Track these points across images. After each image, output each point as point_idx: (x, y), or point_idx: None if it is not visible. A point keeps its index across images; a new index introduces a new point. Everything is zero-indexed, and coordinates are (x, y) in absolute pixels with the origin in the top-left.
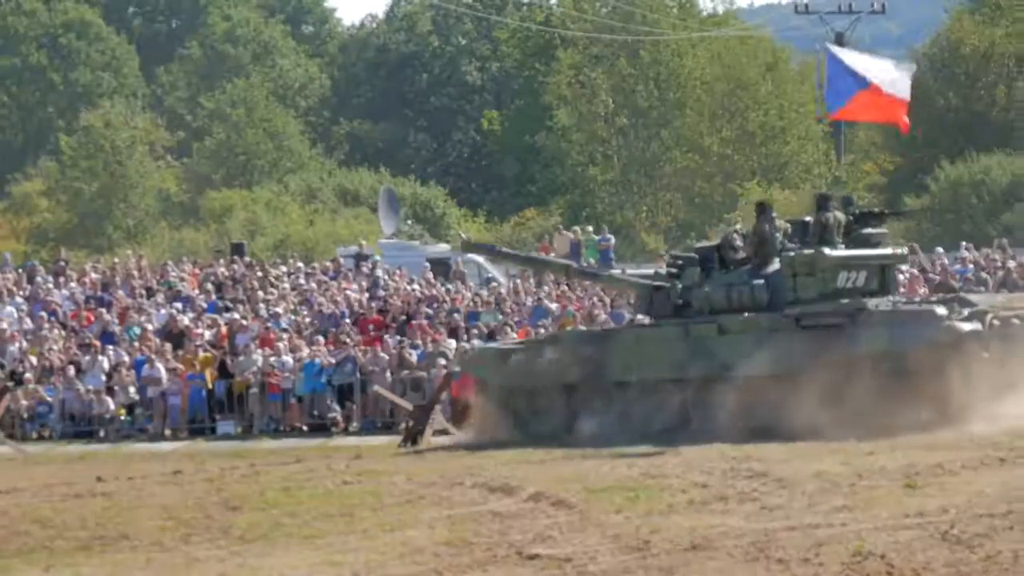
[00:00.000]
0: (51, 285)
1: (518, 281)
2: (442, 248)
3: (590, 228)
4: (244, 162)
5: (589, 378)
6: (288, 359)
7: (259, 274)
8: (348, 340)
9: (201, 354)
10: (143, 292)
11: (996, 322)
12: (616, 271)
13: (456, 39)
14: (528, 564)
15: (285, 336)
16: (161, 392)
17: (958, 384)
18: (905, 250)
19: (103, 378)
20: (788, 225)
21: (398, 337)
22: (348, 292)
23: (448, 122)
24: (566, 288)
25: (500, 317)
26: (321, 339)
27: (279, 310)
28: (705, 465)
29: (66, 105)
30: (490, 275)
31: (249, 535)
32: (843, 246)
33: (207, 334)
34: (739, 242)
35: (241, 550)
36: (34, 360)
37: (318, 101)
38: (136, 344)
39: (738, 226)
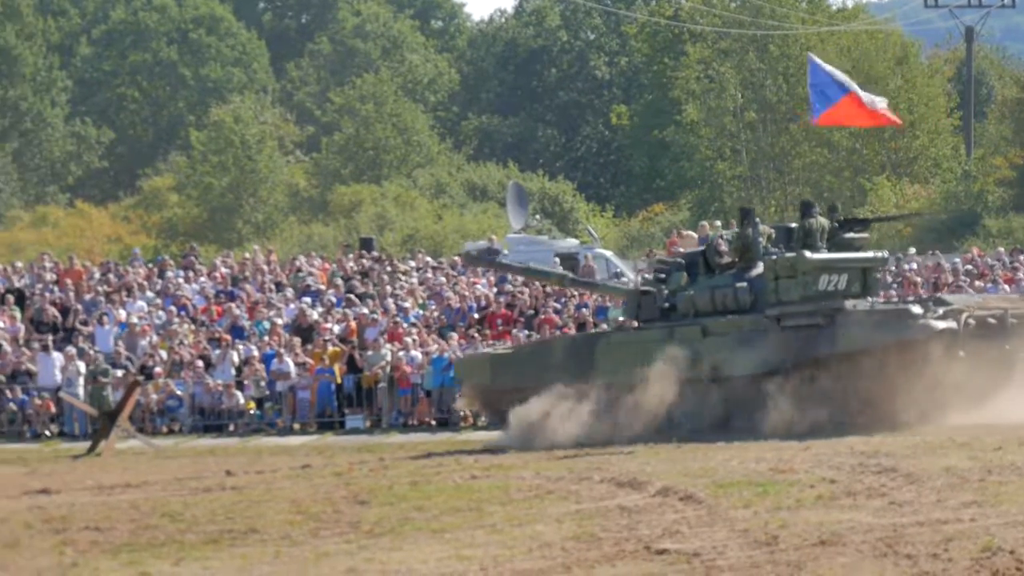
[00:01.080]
0: (181, 280)
1: (646, 275)
2: (570, 243)
3: (718, 223)
4: (373, 157)
5: (577, 380)
6: (417, 354)
7: (388, 269)
8: (476, 335)
9: (330, 348)
10: (272, 287)
11: (972, 321)
12: (608, 279)
13: (585, 34)
14: (656, 559)
15: (414, 331)
16: (290, 386)
17: (934, 380)
18: (885, 253)
19: (232, 372)
20: (772, 231)
21: (526, 332)
22: (476, 287)
23: (577, 117)
24: None
25: None
26: (453, 334)
27: (407, 305)
28: (833, 460)
29: (196, 100)
30: (618, 270)
31: (377, 529)
32: (826, 251)
33: (336, 328)
34: (724, 247)
35: (369, 544)
36: (164, 354)
37: (447, 96)
38: (265, 338)
39: (723, 232)
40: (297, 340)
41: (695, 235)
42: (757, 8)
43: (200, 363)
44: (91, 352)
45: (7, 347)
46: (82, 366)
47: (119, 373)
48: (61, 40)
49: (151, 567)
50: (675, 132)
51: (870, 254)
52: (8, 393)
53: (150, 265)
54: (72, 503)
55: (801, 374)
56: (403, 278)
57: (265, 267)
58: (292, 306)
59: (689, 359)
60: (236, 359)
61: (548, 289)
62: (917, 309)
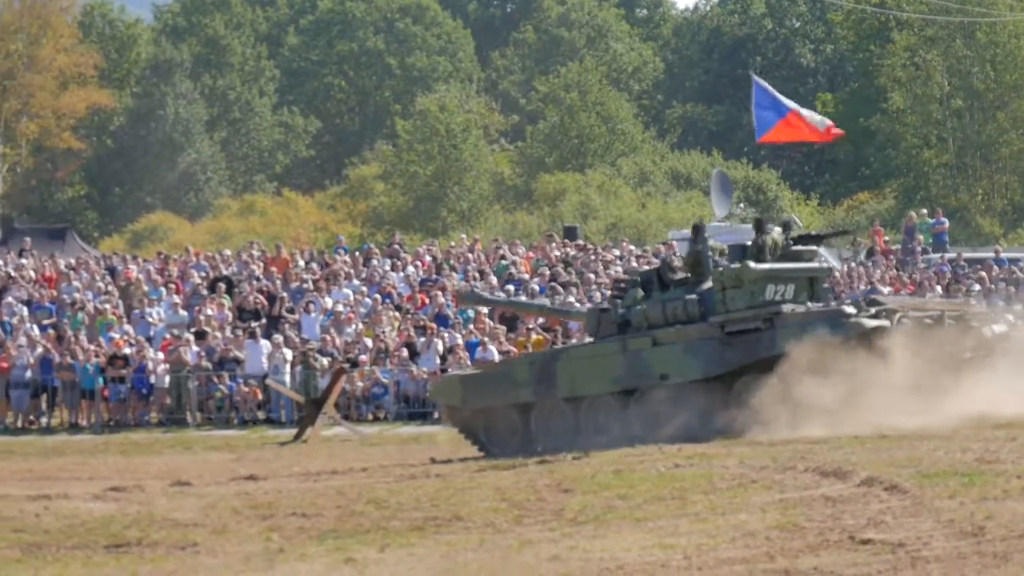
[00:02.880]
0: (387, 268)
1: (853, 264)
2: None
3: (924, 211)
4: (577, 145)
5: (541, 396)
6: None
7: (591, 257)
8: None
9: (534, 337)
10: (477, 275)
11: (906, 320)
12: (580, 306)
13: (790, 21)
14: (860, 549)
15: None
16: None
17: (868, 377)
18: (836, 263)
19: (437, 360)
20: (724, 246)
21: None
22: None
23: None
24: (897, 272)
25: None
26: None
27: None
28: None
29: (402, 89)
30: (823, 258)
31: (581, 517)
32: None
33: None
34: (677, 263)
35: (573, 532)
36: (370, 342)
37: (651, 84)
38: (470, 327)
39: (675, 250)
40: (502, 328)
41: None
42: None
43: (405, 351)
44: (297, 339)
45: (215, 334)
46: (288, 354)
47: (325, 361)
48: (269, 30)
49: (356, 553)
50: (881, 120)
51: (815, 264)
52: (216, 380)
53: (356, 253)
54: (279, 489)
55: (745, 376)
56: (607, 266)
57: (469, 255)
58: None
59: (640, 368)
60: (441, 347)
61: None
62: (850, 309)
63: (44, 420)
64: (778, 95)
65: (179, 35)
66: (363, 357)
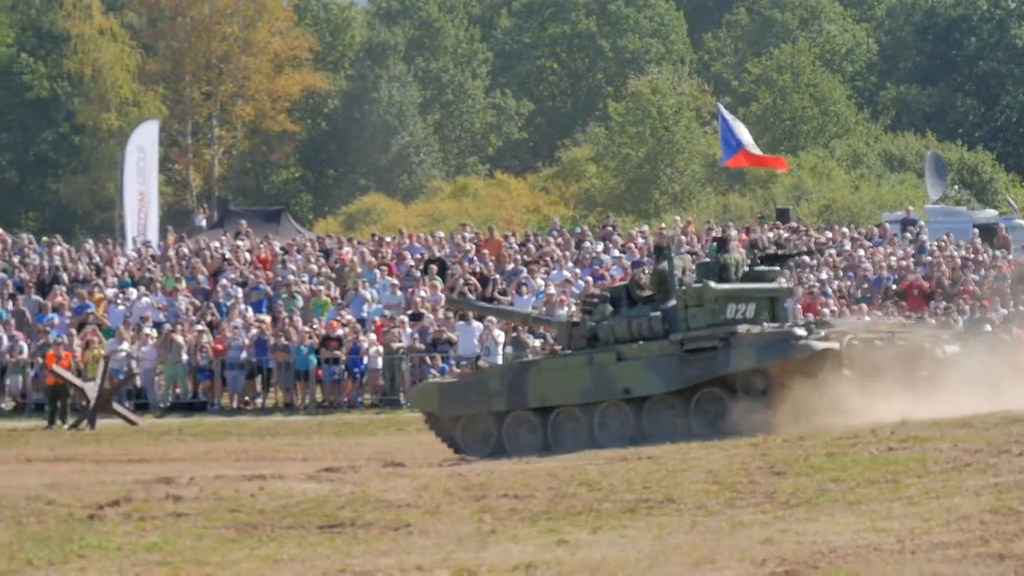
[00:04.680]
0: (600, 250)
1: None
2: (989, 214)
3: None
4: (790, 127)
5: (513, 406)
6: None
7: (804, 239)
8: (892, 306)
9: None
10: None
11: (856, 343)
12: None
13: (1006, 2)
14: None
15: (831, 302)
16: None
17: (816, 397)
18: (793, 283)
19: None
20: (691, 265)
21: (943, 303)
22: (893, 258)
23: (997, 86)
24: None
25: None
26: (863, 305)
27: (824, 276)
28: None
29: (615, 71)
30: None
31: (793, 500)
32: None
33: None
34: (645, 281)
35: (785, 515)
36: None
37: (864, 66)
38: None
39: (644, 268)
40: None
41: None
42: None
43: None
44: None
45: (429, 316)
46: (500, 335)
47: (537, 343)
48: (482, 13)
49: (568, 535)
50: None
51: (775, 284)
52: (429, 361)
53: (568, 235)
54: (491, 471)
55: (701, 392)
56: (819, 249)
57: (683, 238)
58: None
59: (605, 382)
60: None
61: (965, 260)
62: (801, 331)
63: (259, 401)
64: (736, 129)
65: (393, 18)
66: None
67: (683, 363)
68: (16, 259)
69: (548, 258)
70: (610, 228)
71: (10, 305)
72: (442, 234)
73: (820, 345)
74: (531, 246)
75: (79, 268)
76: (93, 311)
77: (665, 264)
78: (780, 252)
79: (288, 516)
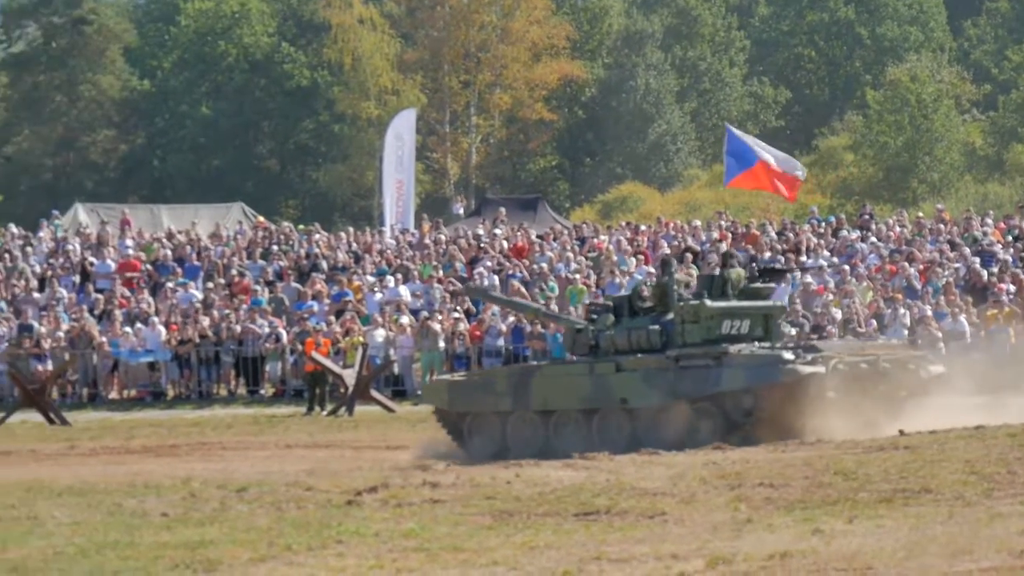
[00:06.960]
0: (856, 238)
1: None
2: None
3: None
4: None
5: (517, 407)
6: None
7: None
8: None
9: (1005, 309)
10: (947, 246)
11: (841, 366)
12: (570, 315)
13: None
14: None
15: None
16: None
17: (801, 419)
18: (785, 301)
19: (904, 332)
20: (692, 278)
21: None
22: None
23: None
24: None
25: None
26: None
27: None
28: None
29: (873, 59)
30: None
31: None
32: (735, 299)
33: (1010, 288)
34: (647, 293)
35: None
36: (838, 313)
37: None
38: (939, 298)
39: (647, 280)
40: (968, 300)
41: None
42: None
43: (874, 322)
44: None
45: None
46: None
47: (792, 331)
48: (739, 1)
49: (824, 524)
50: None
51: (769, 302)
52: None
53: (825, 224)
54: (747, 460)
55: (692, 408)
56: None
57: (941, 226)
58: (959, 265)
59: (604, 391)
60: (908, 319)
61: None
62: (788, 355)
63: None
64: (754, 145)
65: (650, 6)
66: (830, 328)
67: (677, 379)
68: (276, 247)
69: (804, 247)
70: (867, 216)
71: (269, 293)
72: (698, 223)
73: (807, 369)
74: (789, 235)
75: (338, 256)
76: (351, 298)
77: (667, 278)
78: (776, 267)
79: (544, 503)
